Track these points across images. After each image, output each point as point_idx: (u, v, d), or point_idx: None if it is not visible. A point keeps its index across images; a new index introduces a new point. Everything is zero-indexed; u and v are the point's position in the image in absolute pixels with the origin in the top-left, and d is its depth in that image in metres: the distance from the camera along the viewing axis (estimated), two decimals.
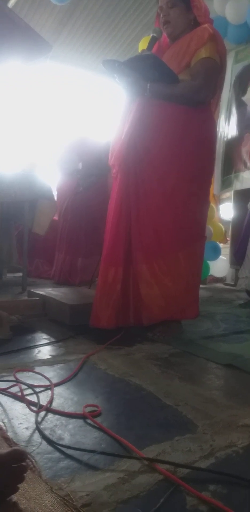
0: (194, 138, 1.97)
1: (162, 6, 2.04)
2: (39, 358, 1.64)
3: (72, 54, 5.15)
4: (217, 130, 3.85)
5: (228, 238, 4.42)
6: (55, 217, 3.96)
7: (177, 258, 1.96)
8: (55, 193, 3.84)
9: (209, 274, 4.16)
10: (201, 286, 4.02)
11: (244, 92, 3.85)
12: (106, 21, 4.78)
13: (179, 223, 1.96)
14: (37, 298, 2.36)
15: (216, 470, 0.88)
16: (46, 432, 1.02)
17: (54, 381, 1.37)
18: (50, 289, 2.68)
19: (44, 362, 1.58)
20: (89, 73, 5.43)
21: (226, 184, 3.91)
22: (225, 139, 3.97)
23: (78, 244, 3.58)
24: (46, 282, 3.66)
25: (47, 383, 1.35)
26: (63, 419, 1.11)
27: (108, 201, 2.11)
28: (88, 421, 1.10)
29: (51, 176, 3.93)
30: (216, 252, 4.02)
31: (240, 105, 3.85)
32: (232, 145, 3.88)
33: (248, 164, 3.67)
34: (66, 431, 1.04)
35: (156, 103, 1.95)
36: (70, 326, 2.11)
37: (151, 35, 2.05)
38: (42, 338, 1.94)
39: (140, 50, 3.48)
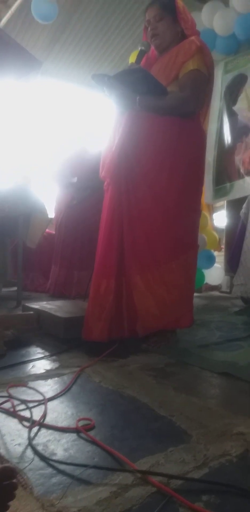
0: (183, 148, 1.99)
1: (149, 20, 2.08)
2: (33, 372, 1.63)
3: (65, 69, 5.20)
4: (210, 139, 3.91)
5: (222, 246, 4.44)
6: (52, 231, 3.97)
7: (171, 268, 1.97)
8: (51, 207, 3.87)
9: (205, 282, 4.17)
10: (196, 294, 4.06)
11: (234, 102, 3.88)
12: (97, 36, 4.84)
13: (171, 233, 1.98)
14: (31, 312, 2.35)
15: (209, 480, 0.88)
16: (39, 448, 1.01)
17: (48, 395, 1.36)
18: (44, 302, 2.67)
19: (38, 377, 1.57)
20: (82, 87, 5.48)
21: (220, 193, 3.93)
22: (217, 148, 4.00)
23: (73, 257, 3.59)
24: (42, 295, 3.66)
25: (41, 397, 1.34)
26: (57, 434, 1.11)
27: None
28: (82, 435, 1.09)
29: (44, 190, 3.96)
30: (211, 260, 4.03)
31: (232, 115, 3.89)
32: (225, 155, 3.91)
33: (241, 172, 3.70)
34: (59, 446, 1.04)
35: (145, 115, 1.97)
36: (65, 340, 2.09)
37: (139, 49, 2.07)
38: (37, 352, 1.94)
39: (130, 63, 3.52)
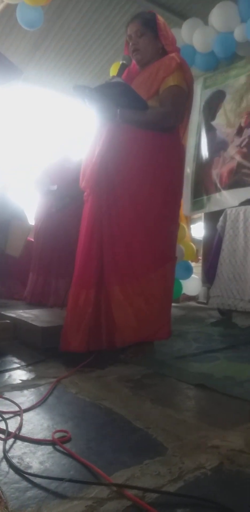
0: (163, 162, 2.02)
1: (131, 35, 2.12)
2: (9, 383, 1.62)
3: (46, 76, 5.20)
4: (188, 153, 3.98)
5: (200, 257, 4.50)
6: (31, 238, 3.94)
7: (150, 279, 1.98)
8: (32, 214, 3.84)
9: (182, 292, 4.21)
10: (174, 304, 4.09)
11: (213, 117, 3.97)
12: (79, 45, 4.87)
13: (152, 245, 2.00)
14: (7, 321, 2.32)
15: (184, 494, 0.88)
16: (14, 460, 1.00)
17: (24, 406, 1.35)
18: (21, 311, 2.65)
19: (14, 387, 1.56)
20: (63, 95, 5.48)
21: (197, 205, 4.00)
22: (195, 162, 4.07)
23: (51, 265, 3.57)
24: (19, 303, 3.62)
25: (17, 409, 1.32)
26: (32, 446, 1.10)
27: None
28: (58, 447, 1.09)
29: (24, 197, 3.93)
30: (188, 271, 4.08)
31: (210, 130, 3.97)
32: (203, 168, 3.99)
33: (218, 186, 3.78)
34: (35, 459, 1.03)
35: (126, 128, 2.00)
36: (42, 349, 2.08)
37: (120, 62, 2.10)
38: (13, 362, 1.91)
39: (111, 74, 3.56)
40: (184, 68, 2.06)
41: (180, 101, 2.03)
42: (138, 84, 2.06)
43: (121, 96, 1.93)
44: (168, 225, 2.07)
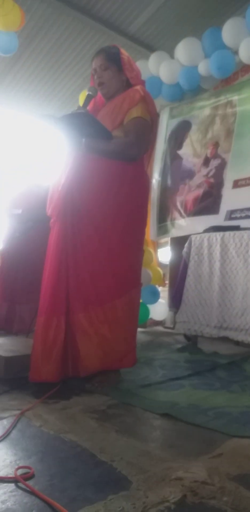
0: (127, 191, 2.07)
1: (95, 68, 2.19)
2: None
3: (16, 99, 5.21)
4: (153, 179, 4.08)
5: (166, 282, 4.55)
6: None
7: (114, 305, 2.00)
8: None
9: (149, 317, 4.23)
10: (141, 329, 4.11)
11: (180, 146, 4.10)
12: (49, 72, 4.93)
13: (115, 272, 2.02)
14: None
15: None
16: None
17: None
18: None
19: None
20: (32, 117, 5.50)
21: (162, 230, 4.08)
22: (160, 188, 4.17)
23: (14, 290, 3.50)
24: None
25: None
26: None
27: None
28: (21, 484, 1.07)
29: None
30: (155, 295, 4.11)
31: (175, 158, 4.09)
32: (167, 195, 4.09)
33: (182, 213, 3.88)
34: None
35: (91, 157, 2.04)
36: (5, 380, 2.03)
37: (87, 93, 2.16)
38: None
39: (80, 101, 3.62)
40: (148, 100, 2.13)
41: (143, 132, 2.09)
42: (104, 115, 2.12)
43: (86, 126, 1.98)
44: (132, 252, 2.11)
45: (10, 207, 3.65)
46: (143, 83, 2.26)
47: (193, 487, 1.07)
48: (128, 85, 2.18)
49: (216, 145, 3.77)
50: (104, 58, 2.16)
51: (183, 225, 3.84)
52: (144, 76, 3.96)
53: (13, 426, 1.45)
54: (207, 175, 3.77)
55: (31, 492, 1.03)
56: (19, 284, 3.50)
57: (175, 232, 3.89)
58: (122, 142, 2.06)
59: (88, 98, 2.14)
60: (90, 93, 2.15)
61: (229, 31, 3.40)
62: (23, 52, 4.57)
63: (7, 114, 5.40)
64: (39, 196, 3.54)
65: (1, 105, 5.19)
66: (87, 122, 1.98)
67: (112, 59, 2.16)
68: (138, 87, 2.14)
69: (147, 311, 4.12)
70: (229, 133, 3.67)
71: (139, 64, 3.99)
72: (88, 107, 2.16)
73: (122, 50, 2.21)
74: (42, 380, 1.91)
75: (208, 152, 3.82)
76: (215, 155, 3.75)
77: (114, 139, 2.04)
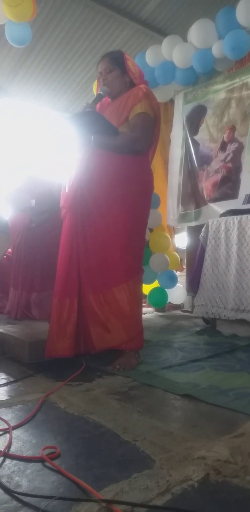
0: (133, 183, 2.19)
1: (101, 71, 2.33)
2: None
3: (31, 91, 5.23)
4: (175, 165, 4.05)
5: (184, 267, 4.55)
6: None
7: (122, 288, 2.12)
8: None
9: (168, 301, 4.25)
10: (160, 314, 4.13)
11: (196, 132, 4.05)
12: (62, 62, 4.92)
13: (122, 259, 2.15)
14: None
15: (171, 507, 0.91)
16: (4, 480, 1.01)
17: (13, 423, 1.36)
18: (9, 325, 2.64)
19: (2, 404, 1.56)
20: (46, 109, 5.52)
21: (186, 218, 4.07)
22: (182, 175, 4.14)
23: (33, 279, 3.57)
24: (1, 317, 3.59)
25: (5, 426, 1.33)
26: (21, 464, 1.11)
27: None
28: (47, 464, 1.10)
29: (5, 210, 3.92)
30: (173, 280, 4.12)
31: (194, 144, 4.06)
32: (190, 181, 4.06)
33: (205, 199, 3.86)
34: (24, 477, 1.04)
35: (99, 152, 2.18)
36: (30, 364, 2.09)
37: (98, 92, 2.30)
38: (1, 378, 1.91)
39: (94, 90, 3.62)
40: (150, 97, 2.26)
41: (148, 127, 2.21)
42: (110, 113, 2.24)
43: (95, 124, 2.12)
44: (137, 240, 2.24)
45: (21, 199, 3.68)
46: (146, 82, 2.37)
47: (215, 466, 1.09)
48: (131, 85, 2.30)
49: (233, 128, 3.71)
50: (109, 62, 2.29)
51: (206, 212, 3.82)
52: (157, 61, 3.94)
53: (38, 409, 1.50)
54: (224, 159, 3.73)
55: (58, 471, 1.06)
56: (37, 273, 3.57)
57: (200, 220, 3.87)
58: (129, 136, 2.18)
59: (99, 97, 2.28)
60: (101, 92, 2.28)
61: (243, 10, 3.32)
62: (36, 43, 4.57)
63: (21, 106, 5.43)
64: (49, 187, 3.59)
65: (15, 98, 5.22)
66: (95, 120, 2.11)
67: (116, 63, 2.29)
68: (141, 86, 2.27)
69: (166, 296, 4.14)
70: (245, 116, 3.61)
71: (152, 50, 3.99)
72: (96, 107, 2.28)
73: (126, 54, 2.34)
74: (58, 355, 2.07)
75: (225, 136, 3.77)
76: (232, 139, 3.70)
77: (121, 135, 2.16)
